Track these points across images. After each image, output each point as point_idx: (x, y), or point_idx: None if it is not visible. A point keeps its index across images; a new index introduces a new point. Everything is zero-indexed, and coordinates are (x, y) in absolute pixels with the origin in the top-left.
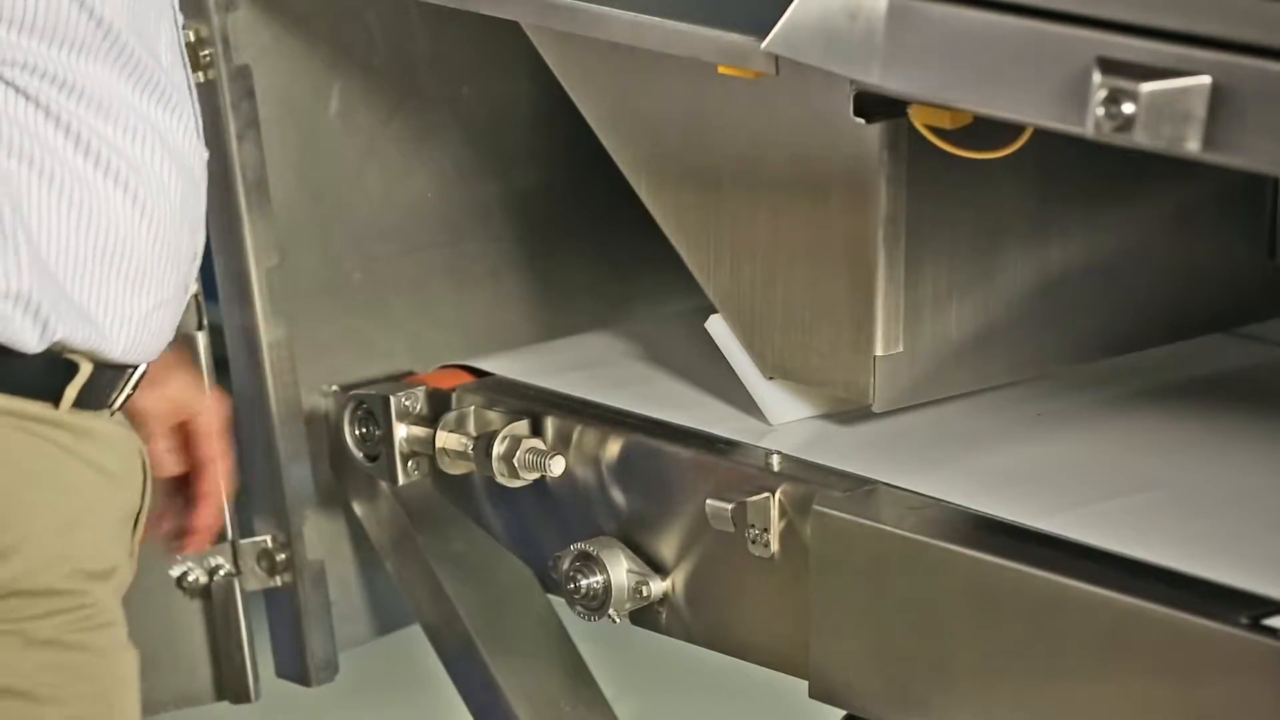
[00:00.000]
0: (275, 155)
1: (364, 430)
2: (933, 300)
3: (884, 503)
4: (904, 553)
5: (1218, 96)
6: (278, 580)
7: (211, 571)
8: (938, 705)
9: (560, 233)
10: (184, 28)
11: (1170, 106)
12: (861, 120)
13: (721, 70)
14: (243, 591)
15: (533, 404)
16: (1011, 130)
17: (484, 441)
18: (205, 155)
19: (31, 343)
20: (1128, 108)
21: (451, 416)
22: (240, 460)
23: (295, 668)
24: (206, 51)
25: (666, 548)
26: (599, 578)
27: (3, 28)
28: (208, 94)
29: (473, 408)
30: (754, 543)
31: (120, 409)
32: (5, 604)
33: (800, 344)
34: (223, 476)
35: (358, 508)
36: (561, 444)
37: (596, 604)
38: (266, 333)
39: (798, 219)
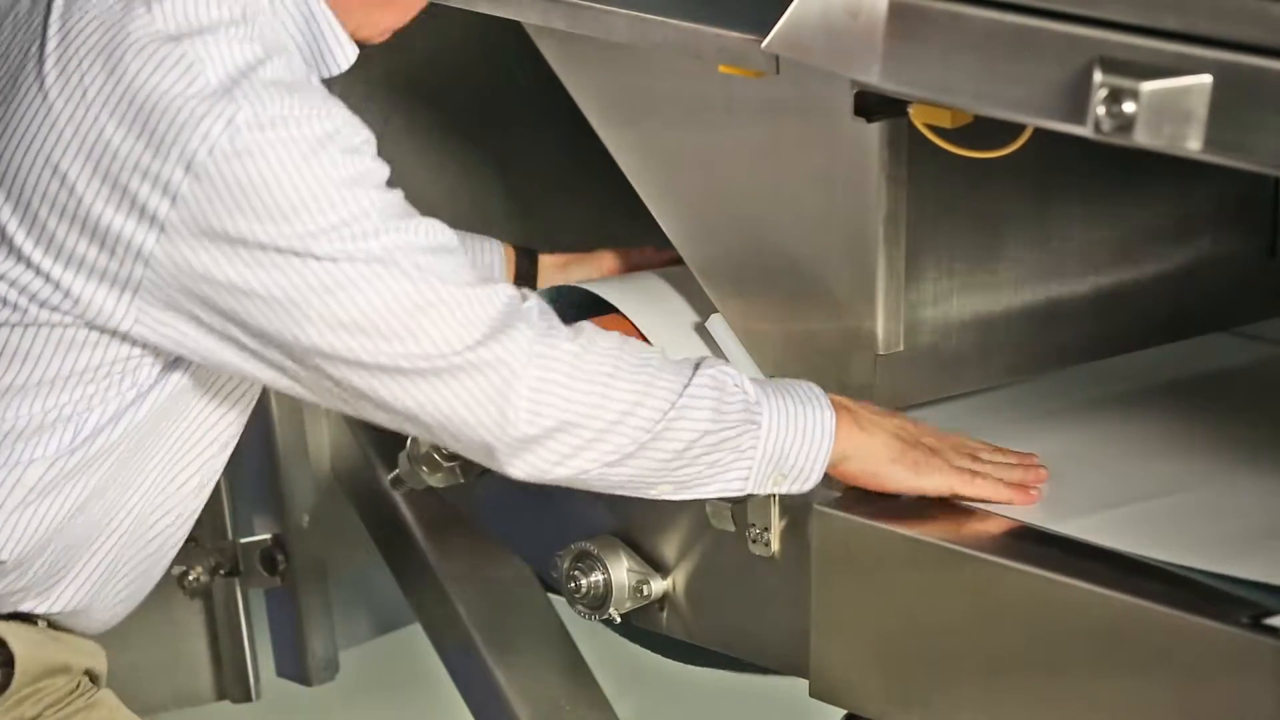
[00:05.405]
0: None
1: None
2: (933, 300)
3: (884, 502)
4: (904, 552)
5: (1218, 96)
6: (278, 580)
7: (212, 571)
8: (938, 704)
9: (560, 232)
10: None
11: (1171, 106)
12: (861, 120)
13: (722, 70)
14: (243, 591)
15: None
16: (1011, 130)
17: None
18: None
19: None
20: (1128, 107)
21: None
22: (240, 460)
23: (295, 667)
24: None
25: (667, 546)
26: (599, 576)
27: None
28: None
29: None
30: (755, 542)
31: None
32: None
33: (800, 344)
34: None
35: (358, 508)
36: None
37: (597, 603)
38: None
39: (798, 218)
